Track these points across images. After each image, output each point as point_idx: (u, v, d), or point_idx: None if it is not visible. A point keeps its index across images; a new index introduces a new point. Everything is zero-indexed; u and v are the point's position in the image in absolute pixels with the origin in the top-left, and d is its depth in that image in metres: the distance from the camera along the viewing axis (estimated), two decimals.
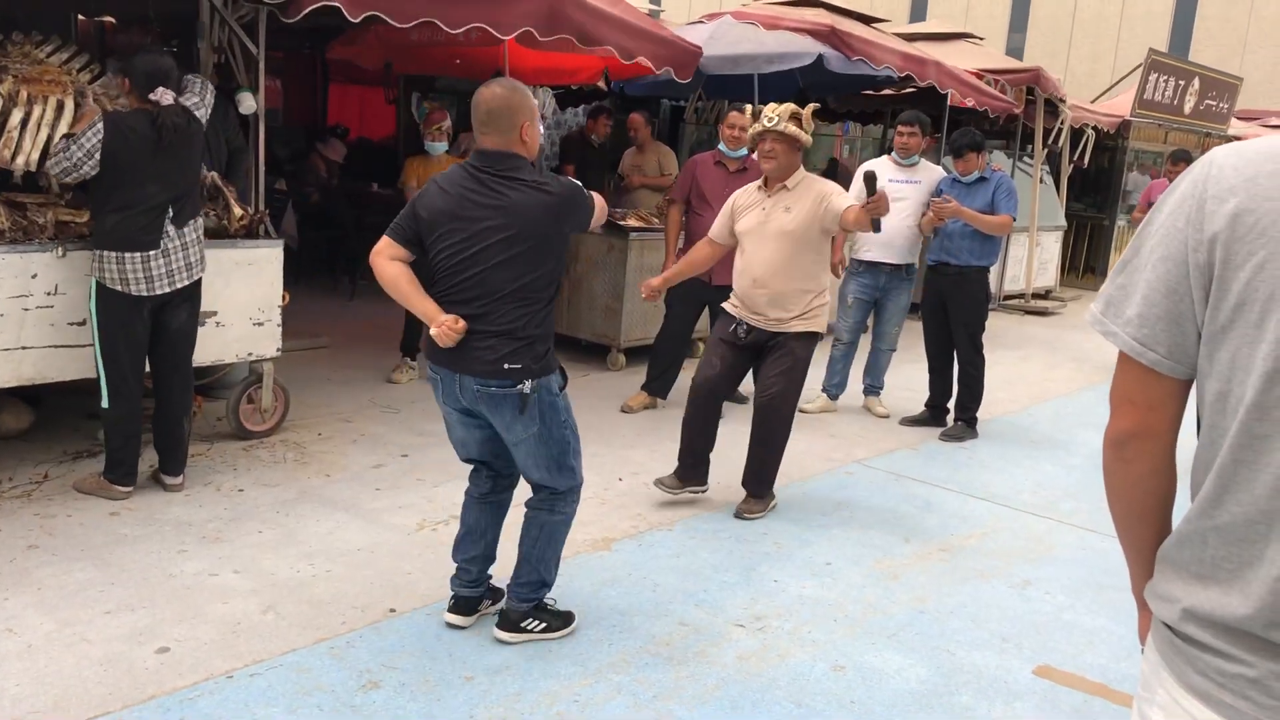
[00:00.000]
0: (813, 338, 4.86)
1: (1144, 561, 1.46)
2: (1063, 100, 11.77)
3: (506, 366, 3.27)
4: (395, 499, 4.74)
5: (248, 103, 5.15)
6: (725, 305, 4.98)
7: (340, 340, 7.62)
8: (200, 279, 4.59)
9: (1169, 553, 1.37)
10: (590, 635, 3.65)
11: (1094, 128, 12.98)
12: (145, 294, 4.36)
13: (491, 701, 3.20)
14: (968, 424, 6.55)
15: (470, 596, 3.68)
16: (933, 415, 6.72)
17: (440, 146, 6.75)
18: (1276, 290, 1.20)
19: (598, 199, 3.51)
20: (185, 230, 4.47)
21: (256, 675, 3.24)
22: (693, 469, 4.98)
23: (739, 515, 4.87)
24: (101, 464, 4.70)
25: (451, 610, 3.67)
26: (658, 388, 6.58)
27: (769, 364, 4.84)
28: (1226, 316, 1.25)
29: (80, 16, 8.62)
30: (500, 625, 3.59)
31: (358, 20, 5.08)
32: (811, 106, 4.80)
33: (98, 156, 4.21)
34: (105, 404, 4.42)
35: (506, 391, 3.29)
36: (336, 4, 4.86)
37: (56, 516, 4.27)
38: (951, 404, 6.66)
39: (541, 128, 11.31)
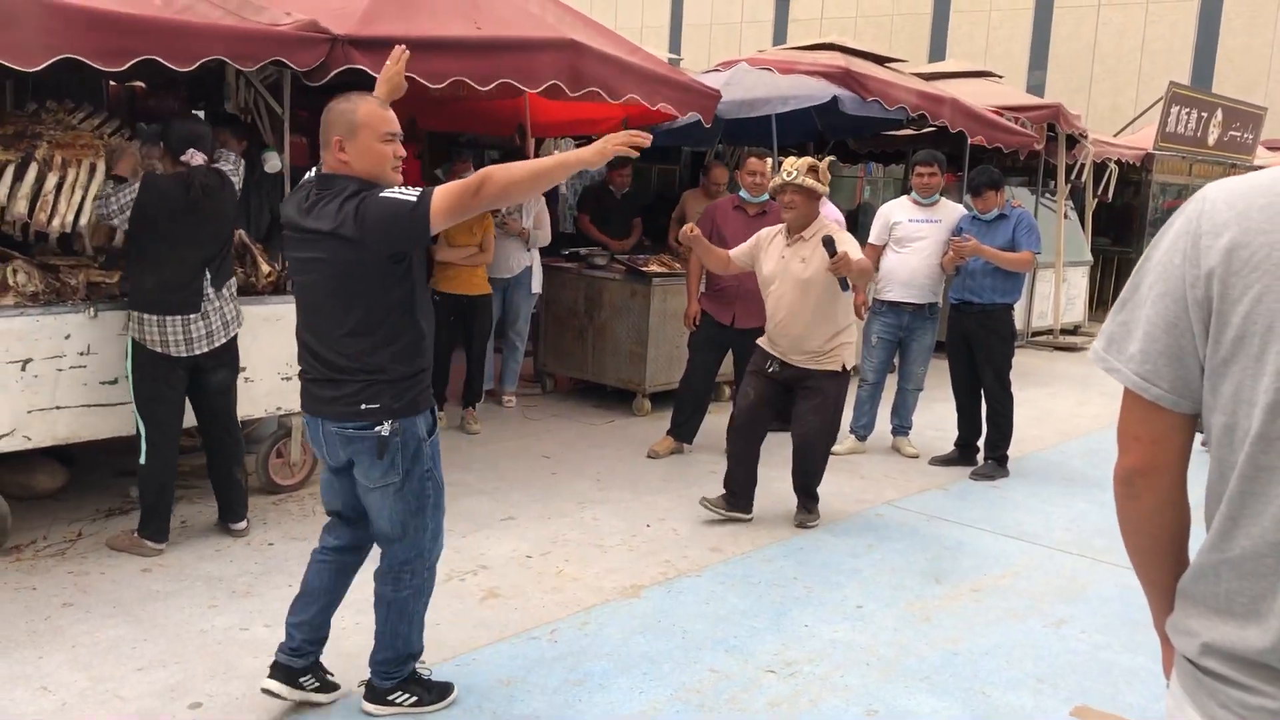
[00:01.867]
0: (841, 375, 5.17)
1: (1162, 596, 1.46)
2: (1084, 135, 11.77)
3: (364, 407, 3.05)
4: None
5: (273, 162, 5.24)
6: (759, 341, 5.32)
7: None
8: (236, 335, 4.68)
9: (1187, 587, 1.37)
10: (620, 684, 3.63)
11: (1117, 162, 12.96)
12: (184, 354, 4.46)
13: None
14: (998, 462, 6.50)
15: (288, 666, 3.31)
16: (962, 454, 6.67)
17: None
18: (1274, 322, 1.21)
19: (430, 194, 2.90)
20: (223, 291, 4.57)
21: None
22: (738, 496, 5.27)
23: (800, 525, 5.31)
24: (134, 521, 4.76)
25: (269, 675, 3.30)
26: (683, 433, 6.58)
27: (801, 403, 5.19)
28: (1227, 350, 1.26)
29: (112, 82, 8.83)
30: (366, 697, 3.35)
31: None
32: (828, 160, 5.11)
33: (129, 213, 4.35)
34: (143, 460, 4.49)
35: (364, 434, 3.06)
36: (362, 66, 4.95)
37: (90, 574, 4.31)
38: (981, 442, 6.62)
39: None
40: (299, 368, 3.20)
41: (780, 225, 5.23)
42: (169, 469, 4.58)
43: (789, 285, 5.08)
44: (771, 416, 5.33)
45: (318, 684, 3.37)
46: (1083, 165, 11.98)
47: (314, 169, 3.22)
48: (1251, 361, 1.24)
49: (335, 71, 4.94)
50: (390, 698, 3.34)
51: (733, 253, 5.35)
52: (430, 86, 5.39)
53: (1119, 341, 1.39)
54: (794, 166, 4.98)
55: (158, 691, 3.43)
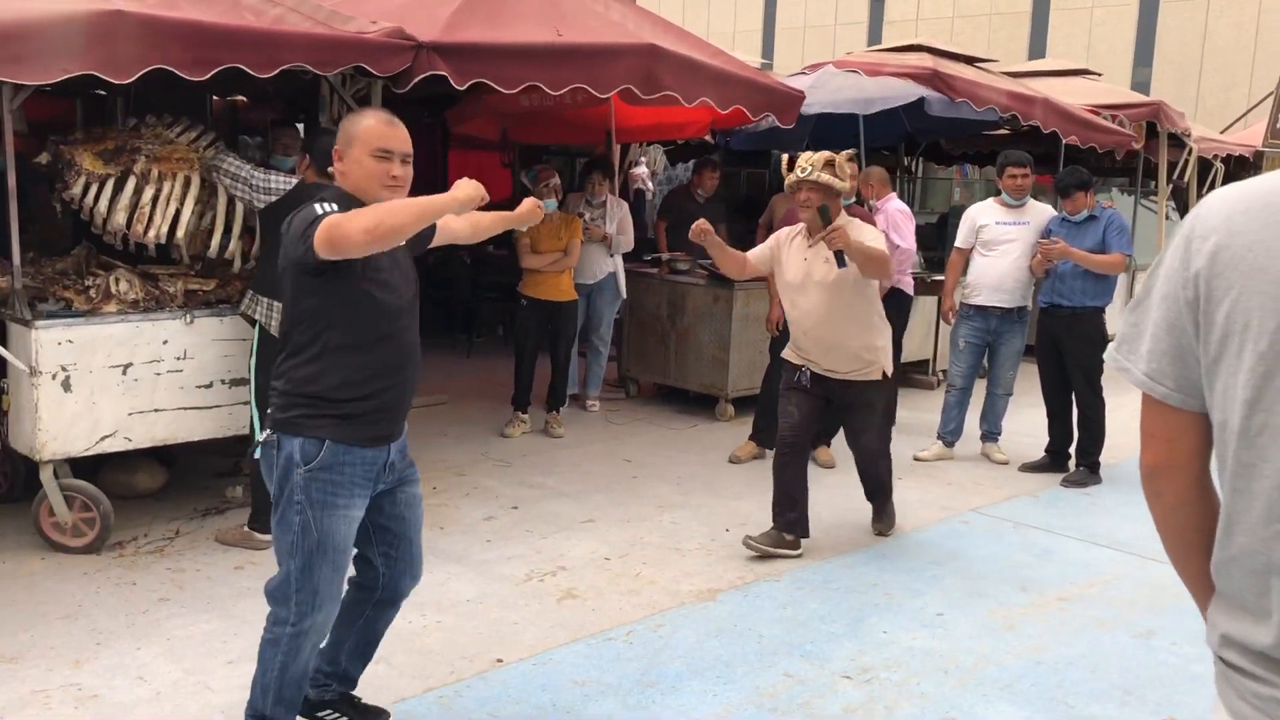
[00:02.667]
0: (884, 382, 4.93)
1: (1200, 589, 1.47)
2: (1187, 134, 11.39)
3: (268, 410, 2.93)
4: (504, 550, 4.84)
5: None
6: (784, 354, 5.03)
7: (457, 396, 7.82)
8: None
9: (1215, 580, 1.40)
10: (693, 687, 3.64)
11: (1224, 159, 12.51)
12: None
13: None
14: (1090, 469, 6.33)
15: (312, 700, 3.18)
16: (1053, 461, 6.52)
17: (551, 204, 6.93)
18: (1250, 320, 1.26)
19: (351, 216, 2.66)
20: None
21: None
22: (789, 522, 4.92)
23: (879, 534, 5.25)
24: (230, 520, 4.95)
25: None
26: (765, 438, 6.55)
27: (851, 420, 5.05)
28: (1215, 349, 1.31)
29: (215, 97, 9.18)
30: None
31: (464, 87, 5.28)
32: (848, 153, 4.77)
33: (272, 199, 4.58)
34: (258, 454, 4.64)
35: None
36: (443, 72, 5.07)
37: (186, 570, 4.48)
38: (1073, 449, 6.46)
39: (651, 184, 11.39)
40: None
41: (800, 225, 4.86)
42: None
43: (815, 289, 4.76)
44: (814, 432, 5.13)
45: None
46: (1186, 164, 11.59)
47: None
48: (1234, 359, 1.28)
49: (419, 78, 5.05)
50: None
51: (751, 254, 4.98)
52: (504, 92, 5.48)
53: (1130, 342, 1.44)
54: (809, 161, 4.63)
55: (245, 684, 3.51)
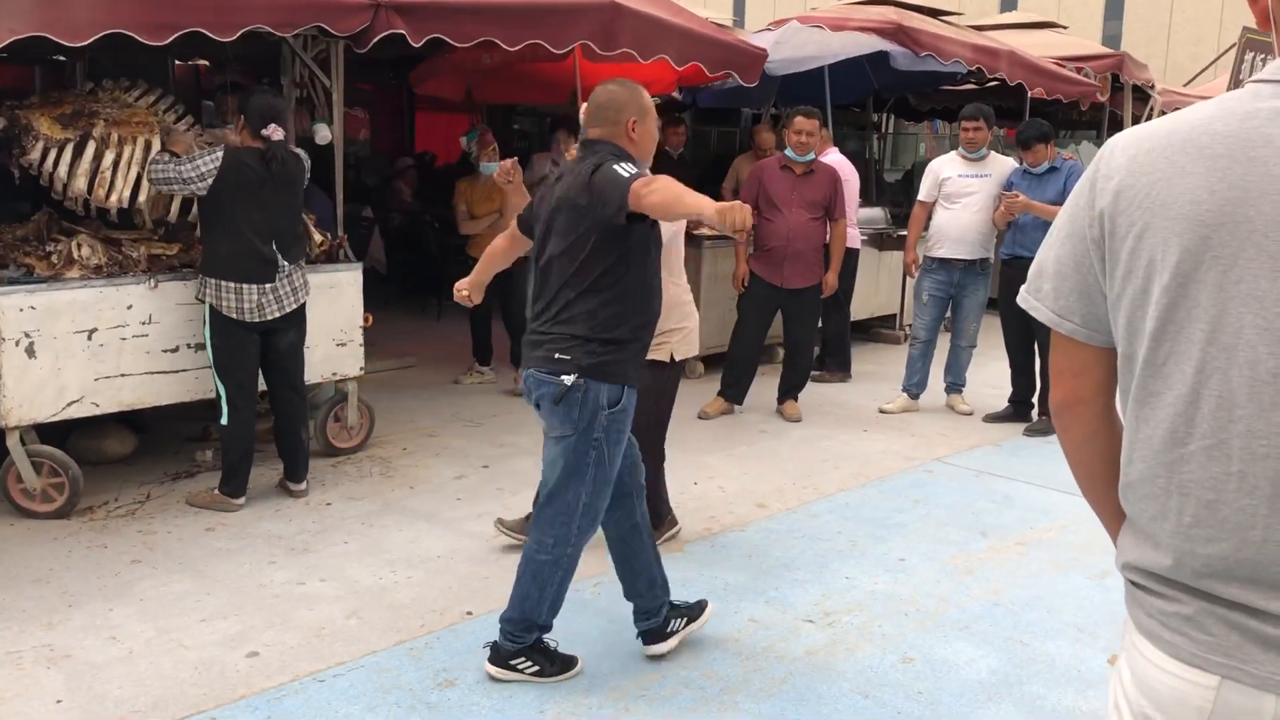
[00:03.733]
0: (665, 369, 4.14)
1: (1110, 520, 1.53)
2: (1151, 85, 11.46)
3: (557, 356, 3.22)
4: (474, 508, 4.89)
5: (323, 133, 5.38)
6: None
7: (427, 359, 7.84)
8: (305, 302, 4.85)
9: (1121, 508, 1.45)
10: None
11: None
12: (257, 320, 4.63)
13: (561, 697, 3.30)
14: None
15: (647, 630, 3.57)
16: (1016, 411, 6.63)
17: (492, 166, 6.95)
18: (1154, 256, 1.29)
19: (651, 183, 3.02)
20: (294, 261, 4.75)
21: (339, 676, 3.39)
22: (656, 511, 4.36)
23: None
24: (200, 484, 4.98)
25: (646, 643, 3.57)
26: (734, 394, 6.62)
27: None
28: (1120, 285, 1.34)
29: (177, 61, 9.08)
30: (490, 657, 3.40)
31: (419, 44, 5.26)
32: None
33: (210, 181, 4.50)
34: (224, 420, 4.70)
35: (550, 380, 3.21)
36: (401, 30, 5.05)
37: (157, 533, 4.52)
38: (1036, 399, 6.56)
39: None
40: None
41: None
42: (249, 428, 4.79)
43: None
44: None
45: (685, 618, 3.62)
46: (1150, 116, 11.67)
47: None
48: (1139, 294, 1.32)
49: (379, 37, 5.03)
50: (512, 662, 3.38)
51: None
52: (460, 46, 5.47)
53: (1036, 280, 1.48)
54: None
55: (219, 641, 3.61)
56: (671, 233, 3.83)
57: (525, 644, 3.37)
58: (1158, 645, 1.32)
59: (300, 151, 4.86)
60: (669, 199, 2.96)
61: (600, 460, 3.23)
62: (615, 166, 3.11)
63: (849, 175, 7.37)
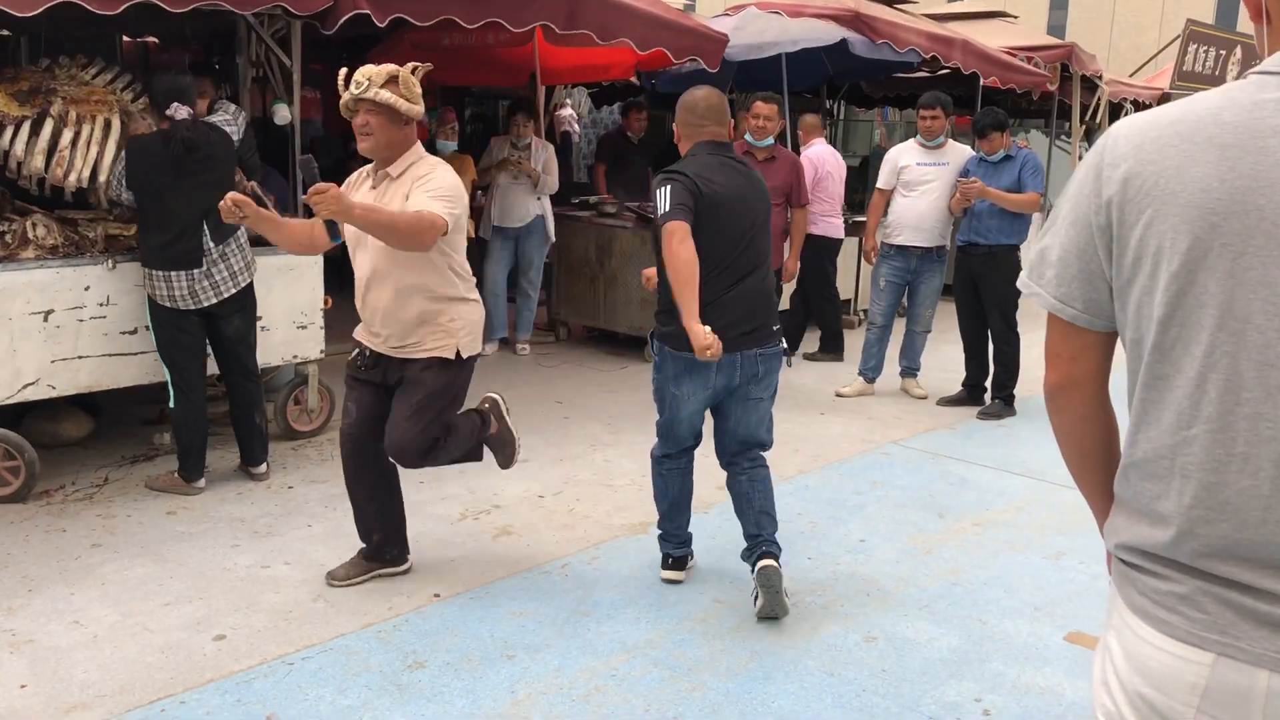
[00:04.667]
0: (448, 365, 3.74)
1: (1099, 501, 1.58)
2: (1099, 76, 11.67)
3: (776, 329, 3.85)
4: (439, 491, 4.89)
5: (282, 113, 5.32)
6: (357, 332, 3.93)
7: None
8: (249, 285, 4.78)
9: (1115, 489, 1.49)
10: (628, 614, 3.76)
11: (1133, 102, 12.84)
12: (192, 308, 4.58)
13: (532, 677, 3.33)
14: (1005, 402, 6.57)
15: (682, 555, 4.12)
16: (970, 394, 6.75)
17: (451, 145, 6.93)
18: (1163, 243, 1.32)
19: (674, 241, 3.59)
20: (228, 243, 4.65)
21: (308, 658, 3.40)
22: (378, 545, 3.98)
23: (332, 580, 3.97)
24: (158, 467, 4.93)
25: (672, 569, 4.09)
26: None
27: (397, 405, 3.75)
28: (1128, 271, 1.38)
29: (125, 38, 8.90)
30: (776, 560, 3.83)
31: (384, 23, 5.23)
32: (414, 65, 3.67)
33: (125, 181, 4.46)
34: (172, 404, 4.66)
35: (776, 352, 3.87)
36: (365, 10, 5.01)
37: (117, 516, 4.47)
38: (989, 383, 6.69)
39: (577, 127, 11.39)
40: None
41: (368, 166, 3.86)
42: (198, 411, 4.73)
43: (371, 250, 3.66)
44: (381, 427, 3.81)
45: (692, 555, 4.20)
46: (1098, 106, 11.88)
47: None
48: (1147, 280, 1.35)
49: (344, 18, 4.99)
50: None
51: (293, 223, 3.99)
52: (420, 25, 5.44)
53: (1038, 267, 1.50)
54: (366, 75, 3.52)
55: (184, 625, 3.59)
56: (456, 224, 3.64)
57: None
58: (1152, 624, 1.36)
59: (221, 118, 4.78)
60: (671, 271, 3.58)
61: None
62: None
63: (834, 167, 7.60)
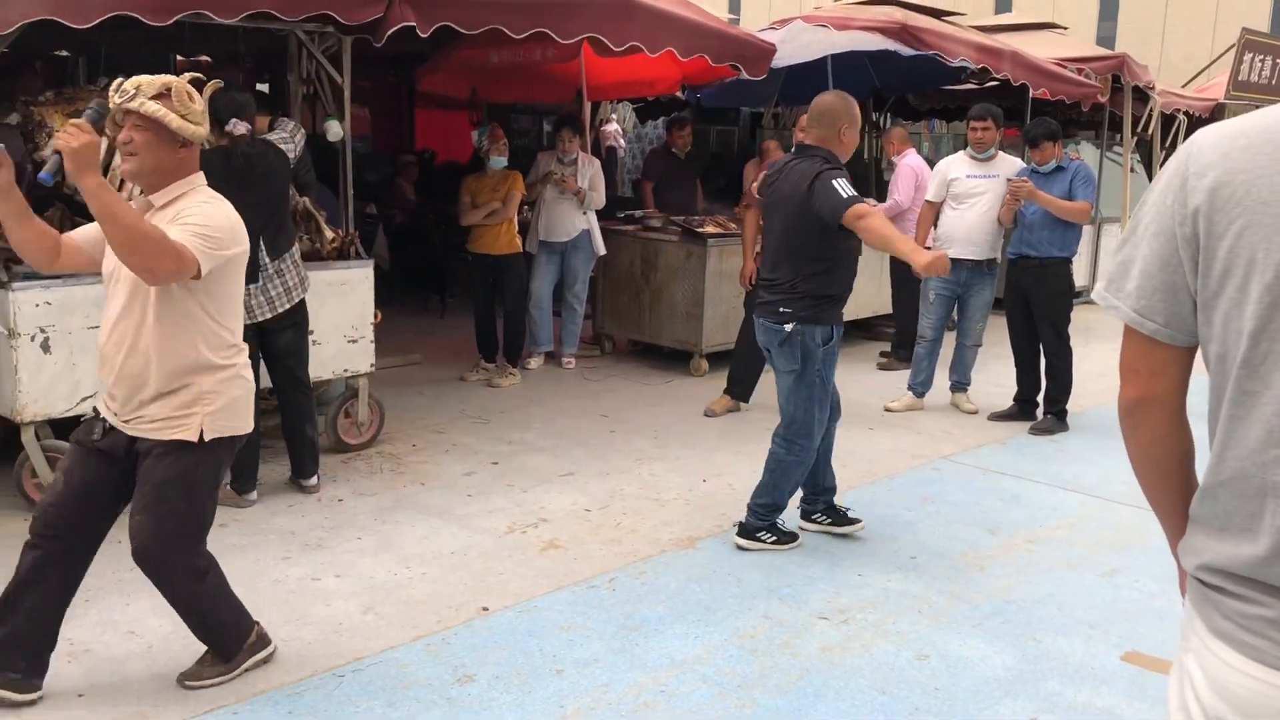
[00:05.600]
0: (193, 450, 3.09)
1: (1173, 521, 1.53)
2: (1151, 87, 11.51)
3: (781, 310, 4.39)
4: (486, 504, 4.91)
5: (334, 130, 5.38)
6: (100, 400, 3.24)
7: (432, 356, 7.85)
8: (302, 300, 4.84)
9: (1194, 509, 1.44)
10: (676, 629, 3.74)
11: (1186, 113, 12.65)
12: (246, 322, 4.62)
13: (580, 692, 3.32)
14: (1057, 417, 6.47)
15: (803, 509, 4.78)
16: (1021, 410, 6.66)
17: (501, 161, 6.97)
18: (1255, 254, 1.28)
19: (867, 217, 4.13)
20: (283, 259, 4.72)
21: (358, 671, 3.41)
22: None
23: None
24: None
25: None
26: (740, 391, 6.65)
27: (136, 495, 3.16)
28: (1215, 283, 1.33)
29: (179, 57, 9.07)
30: (739, 533, 4.51)
31: (428, 34, 5.26)
32: (194, 76, 3.16)
33: None
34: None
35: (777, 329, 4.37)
36: (411, 23, 5.05)
37: None
38: (1041, 398, 6.60)
39: (622, 141, 11.46)
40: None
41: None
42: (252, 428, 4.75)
43: (121, 283, 3.06)
44: (99, 518, 3.24)
45: (830, 520, 4.72)
46: (1149, 117, 11.72)
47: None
48: (1236, 292, 1.31)
49: (391, 30, 5.03)
50: (757, 535, 4.48)
51: (77, 233, 3.24)
52: (465, 33, 5.46)
53: (1118, 280, 1.46)
54: (136, 84, 3.00)
55: None
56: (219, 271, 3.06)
57: (769, 522, 4.49)
58: (1237, 649, 1.31)
59: (279, 135, 4.83)
60: (881, 237, 4.16)
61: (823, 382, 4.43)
62: (834, 183, 4.17)
63: (905, 176, 7.82)
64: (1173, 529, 1.53)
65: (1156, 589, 4.18)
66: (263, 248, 4.64)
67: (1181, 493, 1.49)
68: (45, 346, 4.44)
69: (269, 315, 4.69)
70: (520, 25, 5.61)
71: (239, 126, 4.57)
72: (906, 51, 8.13)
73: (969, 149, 6.63)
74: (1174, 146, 12.63)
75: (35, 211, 3.15)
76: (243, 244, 3.15)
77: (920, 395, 6.91)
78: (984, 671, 3.51)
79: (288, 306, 4.77)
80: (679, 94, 9.61)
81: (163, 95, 3.00)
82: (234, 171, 4.52)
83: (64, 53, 8.48)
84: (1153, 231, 1.40)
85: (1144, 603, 4.07)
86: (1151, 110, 11.64)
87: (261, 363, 4.84)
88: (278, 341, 4.80)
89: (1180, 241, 1.36)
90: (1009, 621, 3.88)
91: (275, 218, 4.78)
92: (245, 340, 4.59)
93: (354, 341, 5.37)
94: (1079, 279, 7.83)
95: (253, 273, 4.62)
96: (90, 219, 2.97)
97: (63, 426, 4.69)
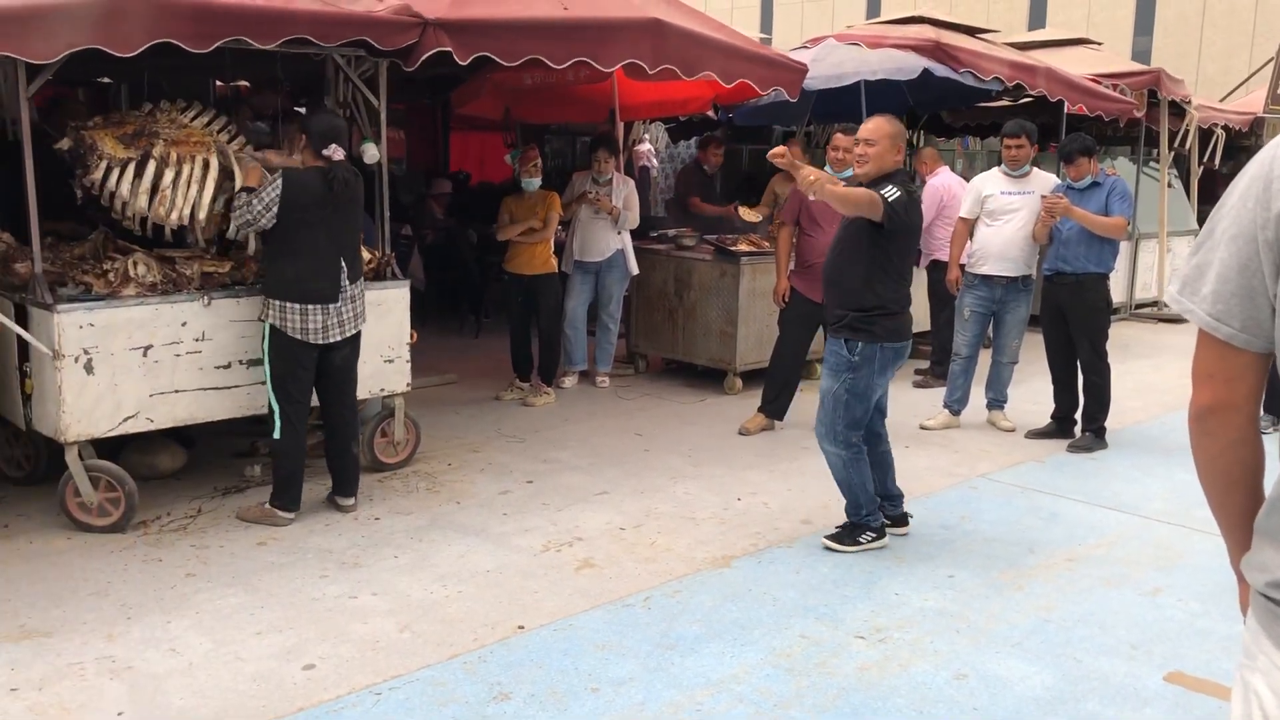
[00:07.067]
0: None
1: (1238, 533, 1.49)
2: (1187, 101, 11.41)
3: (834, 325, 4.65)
4: (521, 523, 4.92)
5: (371, 153, 5.44)
6: None
7: (468, 376, 7.89)
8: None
9: (1261, 522, 1.41)
10: (712, 648, 3.73)
11: (1224, 127, 12.53)
12: (320, 342, 4.70)
13: (616, 711, 3.31)
14: (1096, 434, 6.41)
15: (898, 514, 4.92)
16: (1059, 427, 6.59)
17: (535, 182, 7.01)
18: None
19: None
20: (358, 284, 4.86)
21: (395, 689, 3.43)
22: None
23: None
24: (249, 499, 5.04)
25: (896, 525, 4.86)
26: (774, 410, 6.63)
27: None
28: None
29: (218, 82, 9.23)
30: (836, 541, 4.66)
31: (466, 62, 5.32)
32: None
33: (275, 210, 4.59)
34: (277, 435, 4.76)
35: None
36: (448, 49, 5.11)
37: (210, 547, 4.57)
38: (1079, 415, 6.53)
39: (655, 161, 11.57)
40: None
41: None
42: (301, 444, 4.86)
43: None
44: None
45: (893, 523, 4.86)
46: (1186, 132, 11.62)
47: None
48: None
49: (425, 55, 5.09)
50: (859, 539, 4.65)
51: None
52: (506, 65, 5.52)
53: (1193, 283, 1.43)
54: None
55: (274, 654, 3.65)
56: None
57: (875, 522, 4.69)
58: None
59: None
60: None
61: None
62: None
63: (961, 193, 7.63)
64: (1235, 542, 1.50)
65: (1200, 609, 4.12)
66: (344, 269, 4.72)
67: (1249, 504, 1.46)
68: (89, 368, 4.51)
69: (339, 337, 4.79)
70: (560, 55, 5.65)
71: (337, 152, 4.67)
72: (939, 71, 8.11)
73: (1003, 165, 6.60)
74: (1212, 161, 12.51)
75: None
76: None
77: (956, 413, 6.86)
78: (1023, 691, 3.47)
79: (355, 330, 4.87)
80: (710, 113, 9.64)
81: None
82: (332, 193, 4.63)
83: (107, 80, 8.65)
84: (1231, 235, 1.38)
85: (1187, 622, 4.01)
86: (1188, 125, 11.54)
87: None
88: (335, 358, 4.87)
89: (1261, 245, 1.34)
90: (1049, 641, 3.84)
91: (355, 242, 4.87)
92: (311, 361, 4.72)
93: (390, 361, 5.42)
94: (1116, 295, 7.74)
95: (334, 293, 4.70)
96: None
97: (101, 447, 4.78)
